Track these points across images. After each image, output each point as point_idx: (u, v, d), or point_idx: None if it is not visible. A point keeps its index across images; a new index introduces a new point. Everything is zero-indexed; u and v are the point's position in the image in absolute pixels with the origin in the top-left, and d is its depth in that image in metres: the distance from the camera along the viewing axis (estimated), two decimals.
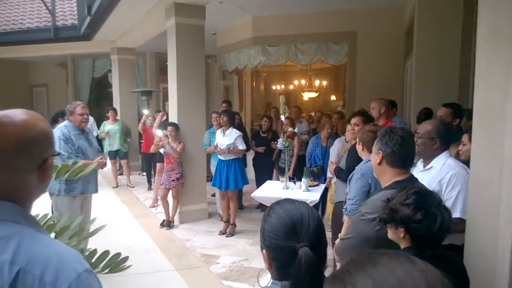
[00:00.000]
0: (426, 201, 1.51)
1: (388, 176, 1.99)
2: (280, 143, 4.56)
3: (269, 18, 8.19)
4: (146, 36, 8.46)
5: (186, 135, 6.04)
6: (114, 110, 8.45)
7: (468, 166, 2.38)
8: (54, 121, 5.39)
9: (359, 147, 3.05)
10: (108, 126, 8.18)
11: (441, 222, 1.46)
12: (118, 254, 2.36)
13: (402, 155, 1.98)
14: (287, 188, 4.20)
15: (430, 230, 1.45)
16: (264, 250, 1.21)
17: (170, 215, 5.98)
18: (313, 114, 9.76)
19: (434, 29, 5.35)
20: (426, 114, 5.16)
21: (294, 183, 4.31)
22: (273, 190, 4.24)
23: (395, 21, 7.37)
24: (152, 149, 6.22)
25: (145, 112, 8.22)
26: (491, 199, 1.73)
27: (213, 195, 7.18)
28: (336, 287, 0.65)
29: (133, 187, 8.52)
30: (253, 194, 4.17)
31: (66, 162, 2.33)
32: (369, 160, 2.96)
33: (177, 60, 5.99)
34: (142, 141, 8.24)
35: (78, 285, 0.94)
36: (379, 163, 2.02)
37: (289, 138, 4.24)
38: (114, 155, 8.25)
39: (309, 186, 4.12)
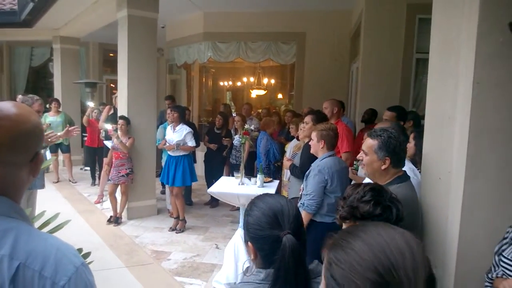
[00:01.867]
0: (381, 196, 1.64)
1: (389, 176, 2.07)
2: (236, 140, 4.59)
3: (220, 14, 8.22)
4: (92, 26, 8.15)
5: (136, 129, 5.92)
6: (57, 101, 8.03)
7: (413, 163, 2.59)
8: None
9: (319, 145, 3.16)
10: (50, 118, 7.78)
11: (396, 213, 1.61)
12: (80, 250, 2.33)
13: (404, 155, 2.10)
14: (242, 184, 4.27)
15: (388, 222, 1.59)
16: (249, 243, 1.30)
17: (118, 211, 5.84)
18: (260, 111, 9.94)
19: (379, 34, 5.70)
20: (370, 114, 5.49)
21: (249, 179, 4.40)
22: (228, 186, 4.29)
23: (342, 24, 7.70)
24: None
25: (90, 104, 7.92)
26: (440, 194, 1.92)
27: (163, 192, 7.11)
28: (338, 253, 0.79)
29: (75, 182, 8.19)
30: (209, 190, 4.20)
31: None
32: (326, 157, 3.14)
33: (128, 53, 5.84)
34: (86, 134, 7.93)
35: (76, 278, 0.95)
36: (385, 168, 2.05)
37: (245, 135, 4.31)
38: (55, 148, 7.86)
39: (264, 182, 4.23)
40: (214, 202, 6.68)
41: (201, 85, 10.18)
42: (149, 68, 6.11)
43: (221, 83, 12.23)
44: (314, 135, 3.26)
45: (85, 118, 7.70)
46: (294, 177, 3.98)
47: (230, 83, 12.32)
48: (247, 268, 3.95)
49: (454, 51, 1.81)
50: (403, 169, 2.08)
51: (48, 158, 6.92)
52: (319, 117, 3.80)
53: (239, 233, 3.99)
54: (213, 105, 11.12)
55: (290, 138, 6.02)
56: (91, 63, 11.73)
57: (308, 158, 3.60)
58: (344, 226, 1.77)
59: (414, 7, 5.56)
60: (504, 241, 1.72)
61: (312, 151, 3.29)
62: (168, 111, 6.19)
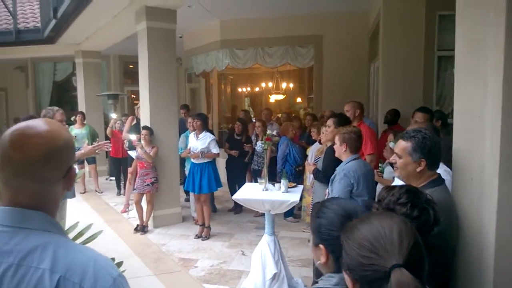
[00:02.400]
0: (418, 198, 1.59)
1: (423, 179, 2.01)
2: (259, 146, 4.59)
3: (236, 21, 8.28)
4: (113, 39, 8.33)
5: (159, 139, 6.01)
6: (82, 114, 8.22)
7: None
8: None
9: (341, 148, 3.15)
10: (75, 130, 7.95)
11: (433, 214, 1.56)
12: (112, 260, 2.37)
13: (439, 157, 2.03)
14: (266, 189, 4.27)
15: (427, 224, 1.55)
16: (320, 245, 1.31)
17: (144, 219, 5.92)
18: (280, 115, 9.94)
19: (398, 33, 5.63)
20: (393, 115, 5.41)
21: (273, 185, 4.39)
22: (253, 192, 4.29)
23: (360, 25, 7.65)
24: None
25: (113, 116, 8.07)
26: (473, 194, 1.88)
27: (187, 199, 7.18)
28: (347, 234, 1.05)
29: (101, 192, 8.35)
30: (234, 197, 4.21)
31: None
32: (351, 161, 3.12)
33: (148, 64, 5.94)
34: (110, 145, 8.07)
35: None
36: (421, 171, 1.99)
37: (268, 140, 4.32)
38: (81, 160, 8.03)
39: (288, 187, 4.21)
40: (237, 208, 6.70)
41: (220, 92, 10.27)
42: (170, 78, 6.20)
43: (240, 90, 12.29)
44: (337, 138, 3.26)
45: (108, 129, 7.86)
46: (318, 182, 3.96)
47: (249, 89, 12.38)
48: (275, 274, 3.92)
49: (481, 49, 1.78)
50: (437, 171, 2.03)
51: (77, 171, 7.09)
52: (341, 120, 3.78)
53: (266, 239, 3.99)
54: (232, 111, 11.19)
55: (311, 142, 6.01)
56: (112, 75, 11.97)
57: (330, 161, 3.58)
58: None
59: (434, 4, 5.48)
60: None
61: (336, 154, 3.28)
62: (190, 119, 6.26)
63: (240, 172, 6.80)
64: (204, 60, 9.28)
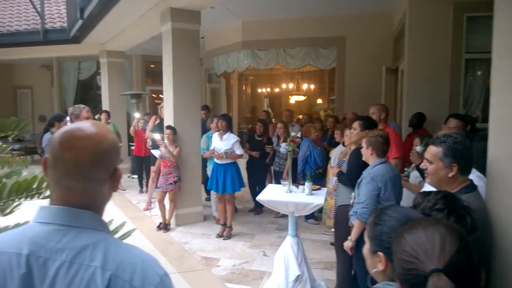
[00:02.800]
0: (455, 204, 1.56)
1: (456, 184, 1.97)
2: (283, 148, 4.57)
3: (258, 22, 8.30)
4: (137, 39, 8.44)
5: (181, 139, 6.07)
6: (107, 112, 8.31)
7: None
8: (50, 125, 5.25)
9: (368, 152, 3.13)
10: None
11: (470, 221, 1.51)
12: None
13: (471, 162, 2.00)
14: (290, 191, 4.27)
15: (464, 230, 1.52)
16: (380, 253, 1.30)
17: (167, 218, 5.99)
18: (300, 117, 9.90)
19: (425, 35, 5.57)
20: (418, 118, 5.34)
21: (297, 187, 4.39)
22: (276, 193, 4.30)
23: (383, 27, 7.58)
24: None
25: (136, 115, 8.19)
26: (509, 201, 1.85)
27: (207, 199, 7.22)
28: (398, 242, 1.08)
29: (124, 189, 8.48)
30: (258, 197, 4.22)
31: None
32: (378, 164, 3.10)
33: (173, 64, 6.00)
34: (133, 144, 8.20)
35: (161, 287, 1.00)
36: (453, 176, 1.96)
37: (292, 142, 4.32)
38: None
39: (312, 189, 4.20)
40: (258, 209, 6.72)
41: (240, 93, 10.30)
42: (193, 79, 6.25)
43: (259, 90, 12.31)
44: (363, 142, 3.24)
45: (132, 128, 7.98)
46: (341, 185, 3.94)
47: (268, 89, 12.39)
48: (298, 276, 3.91)
49: None
50: (470, 177, 2.00)
51: None
52: (367, 123, 3.74)
53: (289, 241, 3.99)
54: (252, 112, 11.22)
55: (333, 144, 5.98)
56: (135, 75, 12.13)
57: (354, 164, 3.56)
58: None
59: (462, 6, 5.40)
60: None
61: (363, 158, 3.26)
62: (215, 119, 6.31)
63: (261, 173, 6.82)
64: (226, 61, 9.33)
